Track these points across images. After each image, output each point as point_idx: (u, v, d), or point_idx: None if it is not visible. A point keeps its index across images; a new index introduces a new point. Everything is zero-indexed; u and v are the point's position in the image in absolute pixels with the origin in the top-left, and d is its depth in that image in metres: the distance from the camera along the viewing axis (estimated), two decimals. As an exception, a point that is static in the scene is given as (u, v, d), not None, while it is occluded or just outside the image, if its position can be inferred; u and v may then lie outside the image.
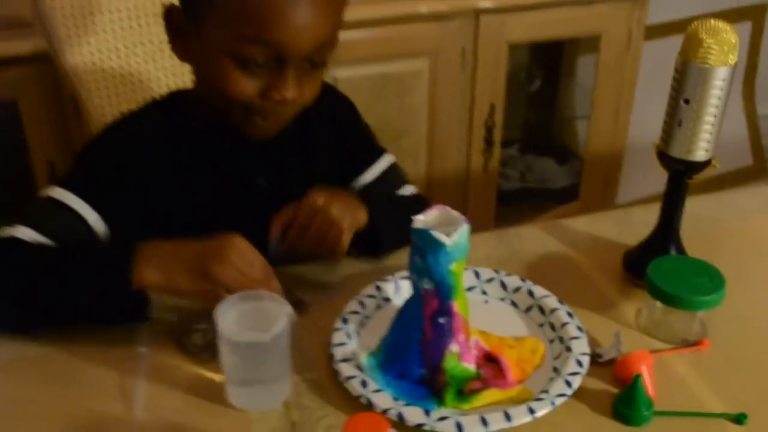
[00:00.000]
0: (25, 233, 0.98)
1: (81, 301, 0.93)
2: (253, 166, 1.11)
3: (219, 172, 1.09)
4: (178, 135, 1.08)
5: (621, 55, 2.22)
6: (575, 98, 2.59)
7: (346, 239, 0.99)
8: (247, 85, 0.96)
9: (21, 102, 1.75)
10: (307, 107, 1.03)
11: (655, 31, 2.39)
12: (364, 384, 0.86)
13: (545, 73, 2.59)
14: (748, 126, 2.90)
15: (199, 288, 0.89)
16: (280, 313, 0.85)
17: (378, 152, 1.22)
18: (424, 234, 0.84)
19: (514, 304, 1.02)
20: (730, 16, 2.64)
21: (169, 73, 1.42)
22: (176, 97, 1.12)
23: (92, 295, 0.92)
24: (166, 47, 1.37)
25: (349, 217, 1.00)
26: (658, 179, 2.65)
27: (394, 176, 1.22)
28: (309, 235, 0.98)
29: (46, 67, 1.46)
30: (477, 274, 1.05)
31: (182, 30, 1.01)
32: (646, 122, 2.47)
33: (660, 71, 2.44)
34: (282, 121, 1.03)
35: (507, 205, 2.39)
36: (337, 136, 1.20)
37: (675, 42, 2.49)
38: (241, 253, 0.90)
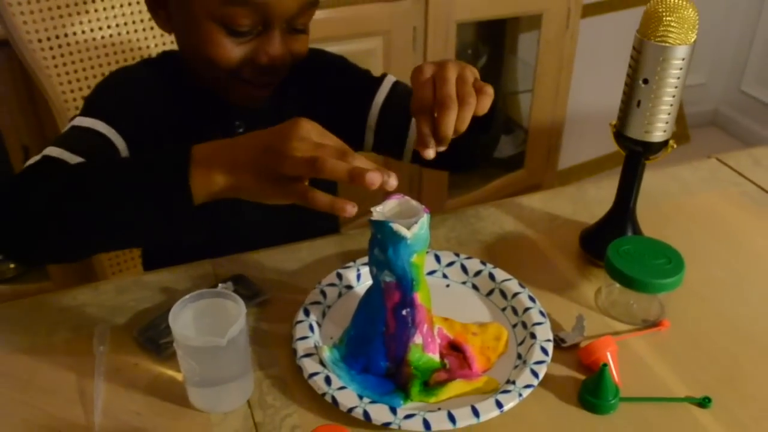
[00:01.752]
0: (55, 151, 0.81)
1: (128, 208, 0.71)
2: (235, 128, 0.99)
3: (204, 132, 0.95)
4: (167, 90, 0.96)
5: (560, 33, 2.12)
6: (518, 73, 2.48)
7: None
8: (233, 51, 0.85)
9: (-9, 88, 1.58)
10: (291, 71, 0.91)
11: (591, 9, 2.27)
12: (328, 381, 0.74)
13: (490, 51, 2.46)
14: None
15: (269, 184, 0.67)
16: (237, 312, 0.71)
17: (380, 78, 1.05)
18: (383, 226, 0.71)
19: (475, 287, 0.90)
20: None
21: (129, 58, 1.26)
22: (167, 56, 1.00)
23: (141, 206, 0.70)
24: (124, 30, 1.24)
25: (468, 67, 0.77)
26: (594, 145, 2.62)
27: (405, 86, 1.04)
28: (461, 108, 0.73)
29: (13, 52, 1.30)
30: (437, 258, 0.92)
31: (163, 0, 0.89)
32: (582, 94, 2.38)
33: (595, 46, 2.35)
34: (270, 87, 0.92)
35: (458, 174, 2.26)
36: (331, 89, 1.05)
37: (609, 19, 2.39)
38: (311, 129, 0.68)
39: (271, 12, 0.83)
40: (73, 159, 0.80)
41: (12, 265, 1.85)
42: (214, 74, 0.88)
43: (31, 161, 0.80)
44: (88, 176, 0.73)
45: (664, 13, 0.79)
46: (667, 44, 0.80)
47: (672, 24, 0.79)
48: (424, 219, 0.72)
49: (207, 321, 0.73)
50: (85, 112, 0.90)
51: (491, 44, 2.48)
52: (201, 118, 0.98)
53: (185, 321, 0.72)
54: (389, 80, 1.05)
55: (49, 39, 1.19)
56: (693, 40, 0.80)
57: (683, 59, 0.80)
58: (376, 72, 1.95)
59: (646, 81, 0.82)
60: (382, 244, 0.72)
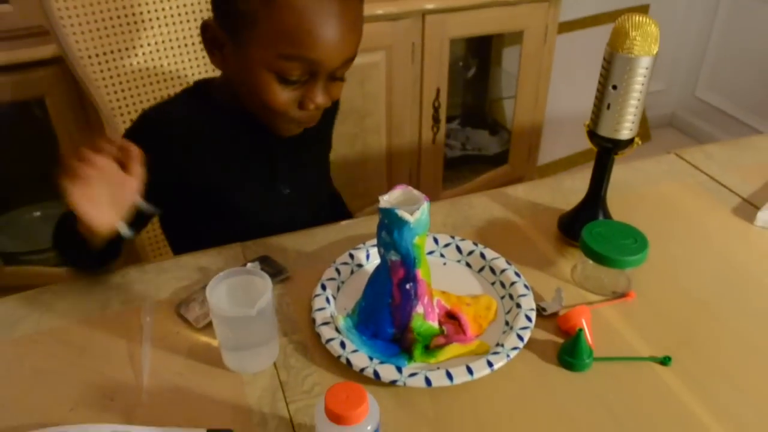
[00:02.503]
0: None
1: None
2: (273, 146, 0.99)
3: (246, 144, 0.97)
4: (207, 117, 0.95)
5: (539, 47, 2.11)
6: (502, 82, 2.47)
7: None
8: (284, 97, 0.85)
9: (47, 99, 1.59)
10: None
11: (565, 27, 2.26)
12: (343, 345, 0.74)
13: (478, 62, 2.46)
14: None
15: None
16: (264, 287, 0.72)
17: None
18: (389, 212, 0.72)
19: (468, 265, 0.90)
20: (622, 13, 2.53)
21: (167, 72, 1.26)
22: (201, 85, 0.99)
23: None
24: (170, 47, 1.24)
25: None
26: (568, 144, 2.61)
27: None
28: None
29: (66, 67, 1.31)
30: (436, 240, 0.92)
31: (220, 43, 0.87)
32: (558, 100, 2.37)
33: (570, 59, 2.35)
34: (311, 124, 0.93)
35: (451, 169, 2.29)
36: (327, 122, 1.11)
37: (581, 34, 2.38)
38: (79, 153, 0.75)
39: (319, 66, 0.82)
40: None
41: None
42: (265, 112, 0.88)
43: None
44: (57, 227, 0.86)
45: (630, 29, 0.80)
46: (633, 55, 0.80)
47: (637, 38, 0.79)
48: (425, 206, 0.73)
49: (238, 295, 0.74)
50: None
51: (480, 57, 2.47)
52: (244, 142, 0.97)
53: (220, 295, 0.73)
54: None
55: (98, 55, 1.19)
56: (655, 52, 0.80)
57: (647, 68, 0.81)
58: (379, 83, 1.98)
59: (615, 87, 0.83)
60: (389, 228, 0.73)
